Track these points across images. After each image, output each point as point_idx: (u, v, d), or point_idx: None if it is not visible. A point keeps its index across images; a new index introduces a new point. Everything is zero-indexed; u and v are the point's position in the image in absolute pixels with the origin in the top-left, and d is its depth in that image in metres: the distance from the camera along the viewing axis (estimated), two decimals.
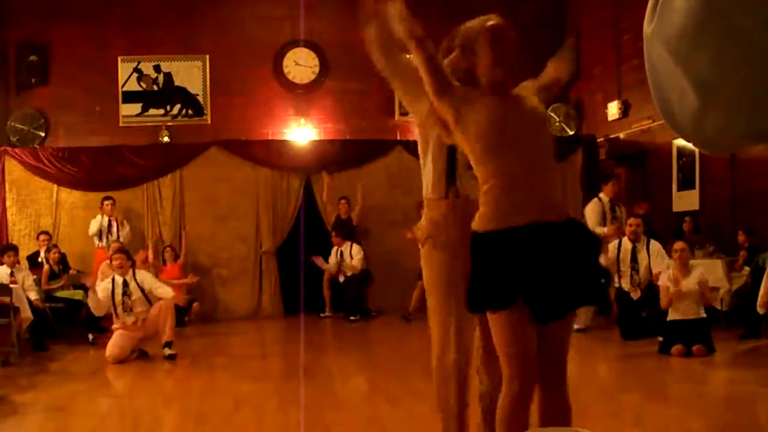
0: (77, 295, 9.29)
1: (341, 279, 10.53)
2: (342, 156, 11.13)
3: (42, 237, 9.90)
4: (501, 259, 2.58)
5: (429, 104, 2.83)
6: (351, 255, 10.50)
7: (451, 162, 3.13)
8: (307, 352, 7.92)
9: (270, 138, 11.66)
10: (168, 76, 11.71)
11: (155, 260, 10.24)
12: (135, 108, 11.62)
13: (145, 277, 7.71)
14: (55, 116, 11.40)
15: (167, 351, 7.36)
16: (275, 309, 10.95)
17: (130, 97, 11.62)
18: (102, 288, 7.54)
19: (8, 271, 8.32)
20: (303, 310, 10.25)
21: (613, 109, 10.96)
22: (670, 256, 7.24)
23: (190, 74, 11.73)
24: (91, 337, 8.68)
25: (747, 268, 7.88)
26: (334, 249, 10.61)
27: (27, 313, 7.78)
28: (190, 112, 11.77)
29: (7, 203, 10.59)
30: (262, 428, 4.77)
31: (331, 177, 10.76)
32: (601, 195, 8.64)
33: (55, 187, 10.68)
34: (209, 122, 11.74)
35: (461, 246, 2.70)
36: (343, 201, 10.75)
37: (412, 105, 3.21)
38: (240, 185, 10.95)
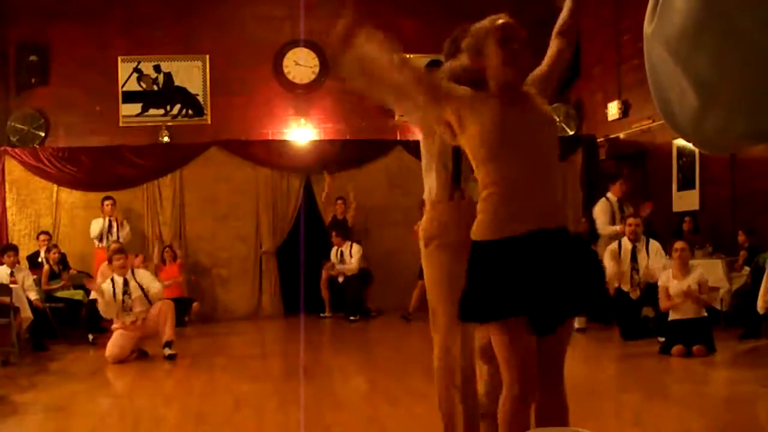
0: (77, 295, 9.30)
1: (341, 279, 10.54)
2: (342, 156, 11.14)
3: (42, 237, 9.90)
4: (499, 270, 2.56)
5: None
6: (351, 255, 10.51)
7: (456, 164, 3.13)
8: (307, 352, 7.93)
9: (270, 138, 11.66)
10: (168, 76, 11.71)
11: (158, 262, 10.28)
12: (135, 108, 11.62)
13: (143, 276, 7.72)
14: (55, 116, 11.40)
15: (167, 351, 7.36)
16: (275, 309, 10.96)
17: (130, 97, 11.62)
18: (104, 290, 7.53)
19: (8, 271, 8.33)
20: (303, 310, 10.26)
21: (613, 109, 10.96)
22: (670, 255, 7.25)
23: (190, 74, 11.73)
24: (91, 337, 8.68)
25: (747, 268, 7.87)
26: (334, 249, 10.61)
27: (27, 313, 7.78)
28: (190, 112, 11.77)
29: (7, 203, 10.59)
30: (262, 428, 4.77)
31: (332, 177, 10.77)
32: (609, 195, 8.65)
33: (55, 187, 10.69)
34: (209, 122, 11.74)
35: (465, 248, 2.69)
36: (339, 201, 10.77)
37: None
38: (240, 185, 10.96)
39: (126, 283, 7.48)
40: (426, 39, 11.38)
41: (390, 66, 2.66)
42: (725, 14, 1.02)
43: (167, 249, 10.38)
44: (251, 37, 11.75)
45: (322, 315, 10.62)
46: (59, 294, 9.25)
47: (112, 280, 7.52)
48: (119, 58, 11.57)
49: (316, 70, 11.94)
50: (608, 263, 7.77)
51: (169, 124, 11.57)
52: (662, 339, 6.89)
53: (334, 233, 10.58)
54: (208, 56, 11.73)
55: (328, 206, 10.88)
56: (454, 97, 2.67)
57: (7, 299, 7.51)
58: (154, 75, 11.68)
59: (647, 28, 1.15)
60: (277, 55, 11.91)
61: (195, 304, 10.33)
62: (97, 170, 10.71)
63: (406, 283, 9.77)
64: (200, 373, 6.83)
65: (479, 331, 3.09)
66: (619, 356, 7.32)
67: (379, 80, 2.74)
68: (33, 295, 8.29)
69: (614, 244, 7.95)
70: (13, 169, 10.61)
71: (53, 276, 9.39)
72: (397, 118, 11.40)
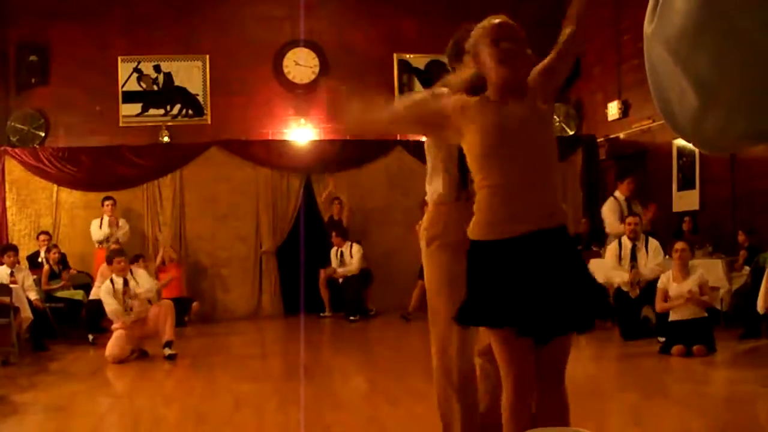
0: (77, 295, 9.31)
1: (340, 279, 10.54)
2: (342, 156, 11.14)
3: (42, 237, 9.90)
4: (495, 275, 2.56)
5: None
6: (351, 255, 10.51)
7: (463, 167, 3.14)
8: (307, 352, 7.93)
9: (270, 138, 11.66)
10: (168, 76, 11.71)
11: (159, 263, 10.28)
12: (135, 108, 11.62)
13: (142, 275, 7.73)
14: (55, 116, 11.40)
15: (167, 351, 7.36)
16: (275, 309, 10.96)
17: (130, 97, 11.62)
18: (104, 292, 7.53)
19: (8, 271, 8.33)
20: (303, 310, 10.26)
21: (613, 109, 10.96)
22: (670, 255, 7.24)
23: (190, 74, 11.73)
24: (91, 337, 8.68)
25: (747, 268, 7.87)
26: (334, 249, 10.61)
27: (27, 313, 7.78)
28: (190, 112, 11.77)
29: (7, 203, 10.59)
30: (262, 428, 4.77)
31: (334, 180, 10.79)
32: (617, 193, 8.65)
33: (55, 187, 10.69)
34: (209, 122, 11.74)
35: (466, 248, 2.70)
36: (336, 202, 10.78)
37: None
38: (240, 185, 10.96)
39: (126, 283, 7.49)
40: (426, 39, 11.39)
41: (384, 122, 2.98)
42: (725, 14, 1.02)
43: (168, 249, 10.37)
44: (251, 37, 11.76)
45: (322, 315, 10.63)
46: (59, 294, 9.25)
47: (112, 280, 7.53)
48: (119, 58, 11.56)
49: (316, 70, 11.93)
50: (609, 262, 7.76)
51: (169, 124, 11.57)
52: (662, 339, 6.89)
53: (334, 233, 10.59)
54: (208, 56, 11.73)
55: (327, 207, 10.89)
56: (446, 116, 2.70)
57: (7, 299, 7.51)
58: (154, 75, 11.68)
59: (647, 28, 1.15)
60: (277, 55, 11.91)
61: (195, 304, 10.33)
62: (97, 170, 10.71)
63: (406, 283, 9.77)
64: (200, 373, 6.83)
65: (480, 331, 3.09)
66: (619, 356, 7.31)
67: (379, 131, 3.05)
68: (33, 295, 8.29)
69: (614, 243, 7.96)
70: (13, 169, 10.62)
71: (53, 276, 9.39)
72: None
